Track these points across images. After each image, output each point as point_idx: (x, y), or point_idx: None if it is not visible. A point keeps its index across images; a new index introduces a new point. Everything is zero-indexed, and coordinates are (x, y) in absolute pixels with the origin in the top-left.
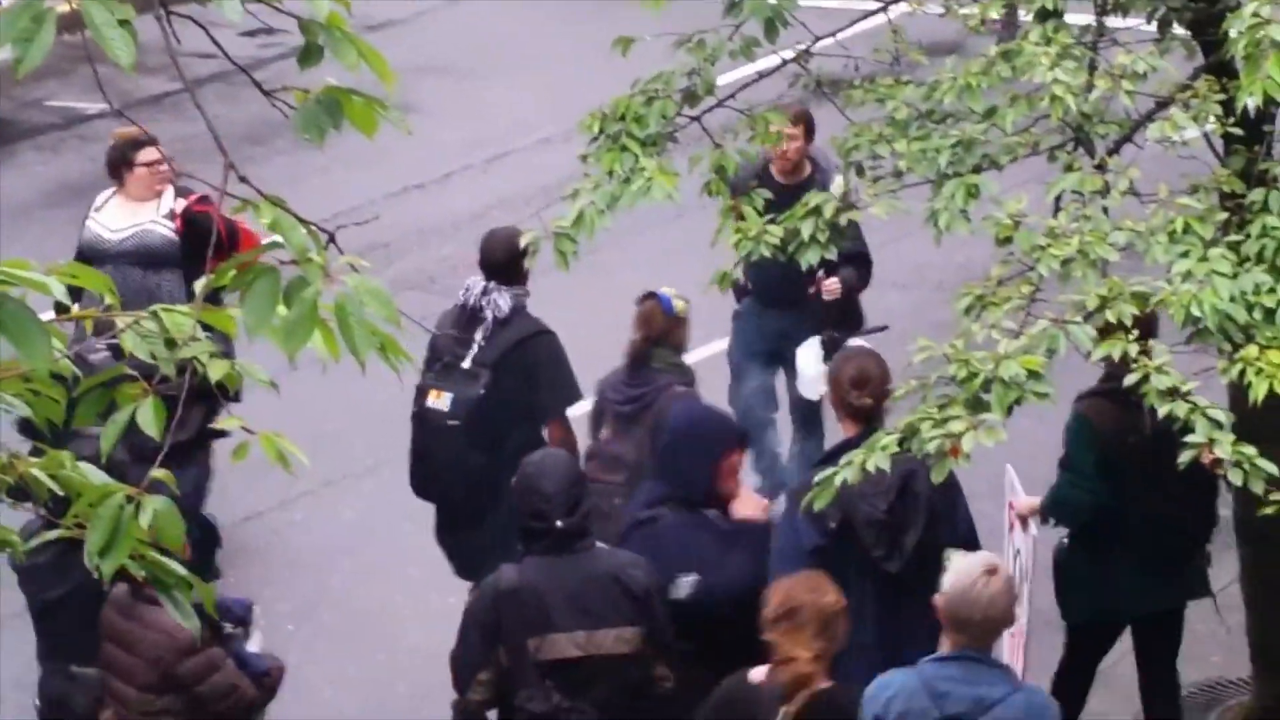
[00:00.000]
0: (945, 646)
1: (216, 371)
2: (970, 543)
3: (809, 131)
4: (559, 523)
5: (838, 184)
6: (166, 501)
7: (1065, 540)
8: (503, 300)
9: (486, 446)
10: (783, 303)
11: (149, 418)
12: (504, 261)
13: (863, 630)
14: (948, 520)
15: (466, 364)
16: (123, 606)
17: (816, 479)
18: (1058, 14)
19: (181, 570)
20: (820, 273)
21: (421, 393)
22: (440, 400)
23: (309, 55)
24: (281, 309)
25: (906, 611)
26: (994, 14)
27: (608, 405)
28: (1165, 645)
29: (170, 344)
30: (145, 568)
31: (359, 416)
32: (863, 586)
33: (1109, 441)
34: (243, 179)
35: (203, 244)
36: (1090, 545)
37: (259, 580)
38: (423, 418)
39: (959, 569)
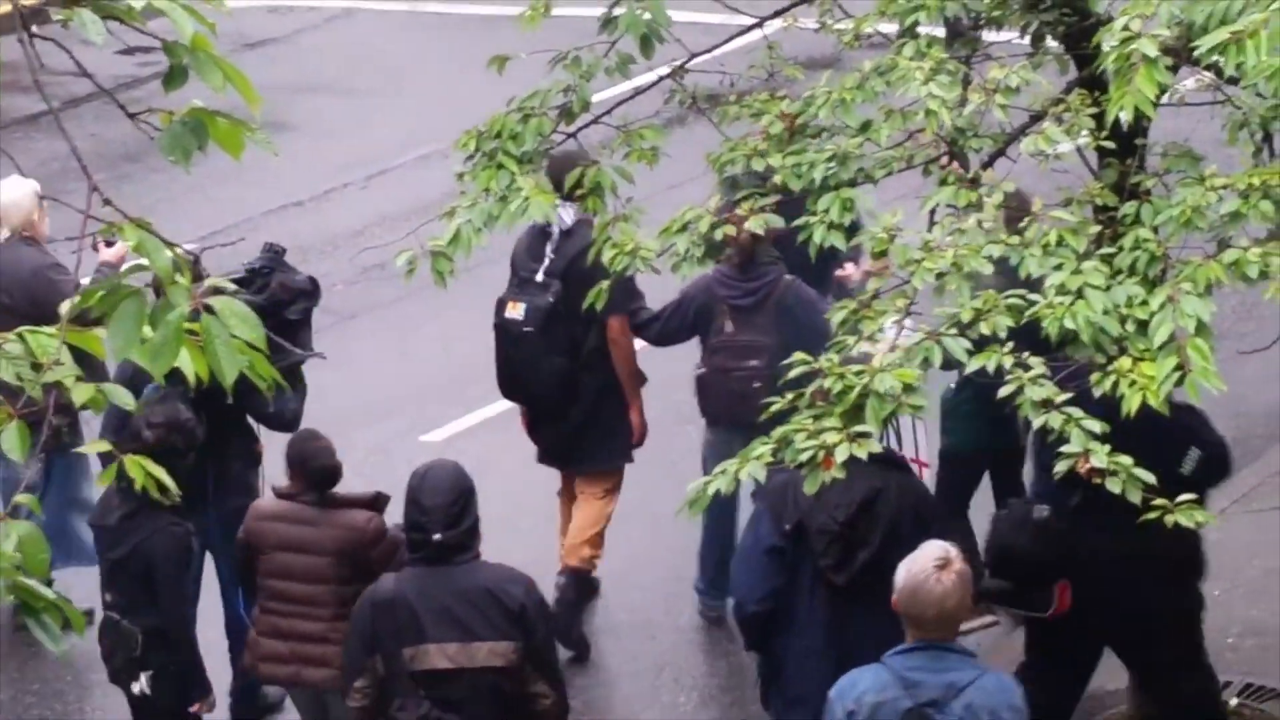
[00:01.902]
0: (907, 639)
1: (80, 395)
2: None
3: None
4: (437, 536)
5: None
6: (31, 526)
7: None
8: (566, 214)
9: (563, 350)
10: None
11: (13, 442)
12: (562, 180)
13: (813, 635)
14: (911, 544)
15: (539, 276)
16: (293, 516)
17: (690, 487)
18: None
19: (50, 594)
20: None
21: (501, 305)
22: (516, 310)
23: (174, 77)
24: (148, 330)
25: (855, 623)
26: (868, 29)
27: (719, 303)
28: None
29: (36, 366)
30: (14, 592)
31: None
32: (815, 593)
33: None
34: (107, 201)
35: None
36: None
37: None
38: (503, 328)
39: (910, 564)
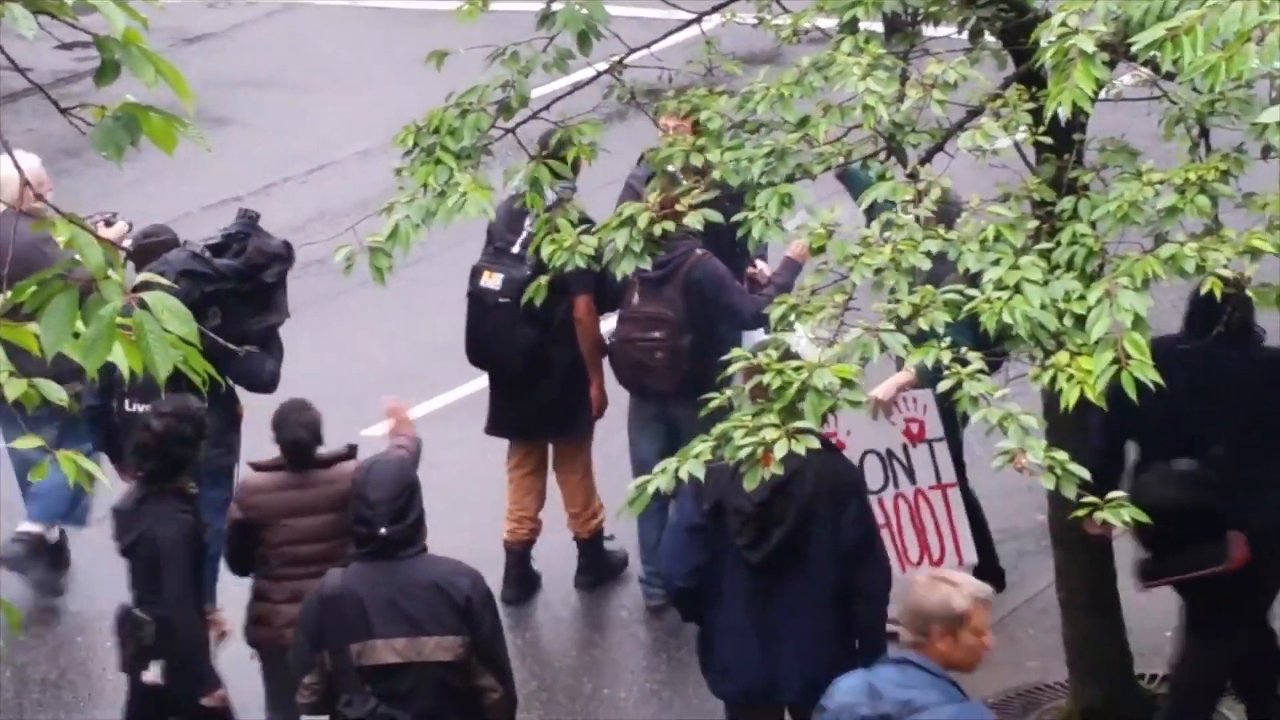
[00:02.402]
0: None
1: (12, 391)
2: (859, 546)
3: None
4: (383, 530)
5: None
6: None
7: None
8: (548, 192)
9: (535, 322)
10: None
11: None
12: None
13: (736, 611)
14: (829, 522)
15: (515, 249)
16: (288, 483)
17: (631, 485)
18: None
19: None
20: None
21: (476, 273)
22: (492, 280)
23: (105, 72)
24: (80, 325)
25: (779, 600)
26: (806, 25)
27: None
28: None
29: None
30: None
31: None
32: (735, 571)
33: None
34: (38, 197)
35: None
36: None
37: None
38: (477, 296)
39: (916, 572)
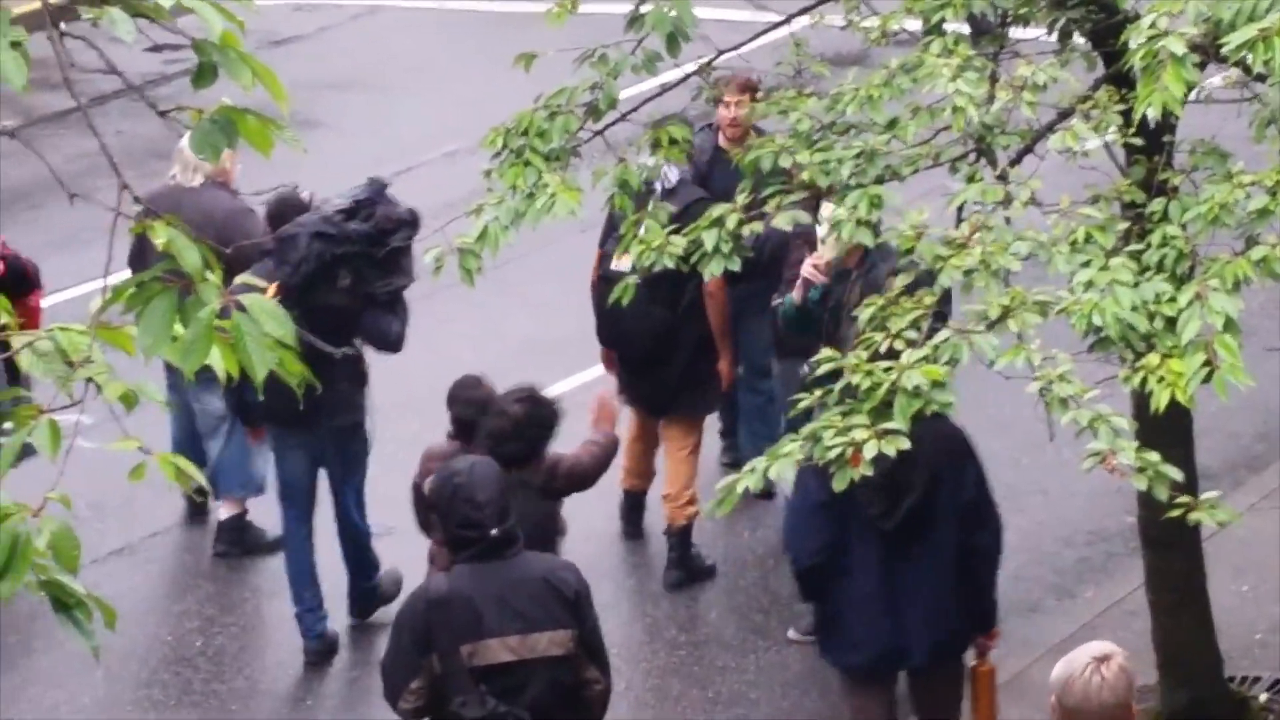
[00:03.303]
0: None
1: (113, 391)
2: (979, 505)
3: (754, 97)
4: (493, 531)
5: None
6: (63, 522)
7: None
8: (671, 173)
9: (665, 302)
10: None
11: (44, 440)
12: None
13: (866, 582)
14: (952, 483)
15: (643, 230)
16: (458, 453)
17: (719, 485)
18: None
19: (81, 590)
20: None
21: (604, 258)
22: (622, 263)
23: (203, 75)
24: (179, 328)
25: (907, 568)
26: (894, 27)
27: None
28: None
29: (69, 363)
30: (45, 589)
31: None
32: (866, 542)
33: None
34: (137, 199)
35: None
36: None
37: (165, 593)
38: (607, 279)
39: (1068, 662)
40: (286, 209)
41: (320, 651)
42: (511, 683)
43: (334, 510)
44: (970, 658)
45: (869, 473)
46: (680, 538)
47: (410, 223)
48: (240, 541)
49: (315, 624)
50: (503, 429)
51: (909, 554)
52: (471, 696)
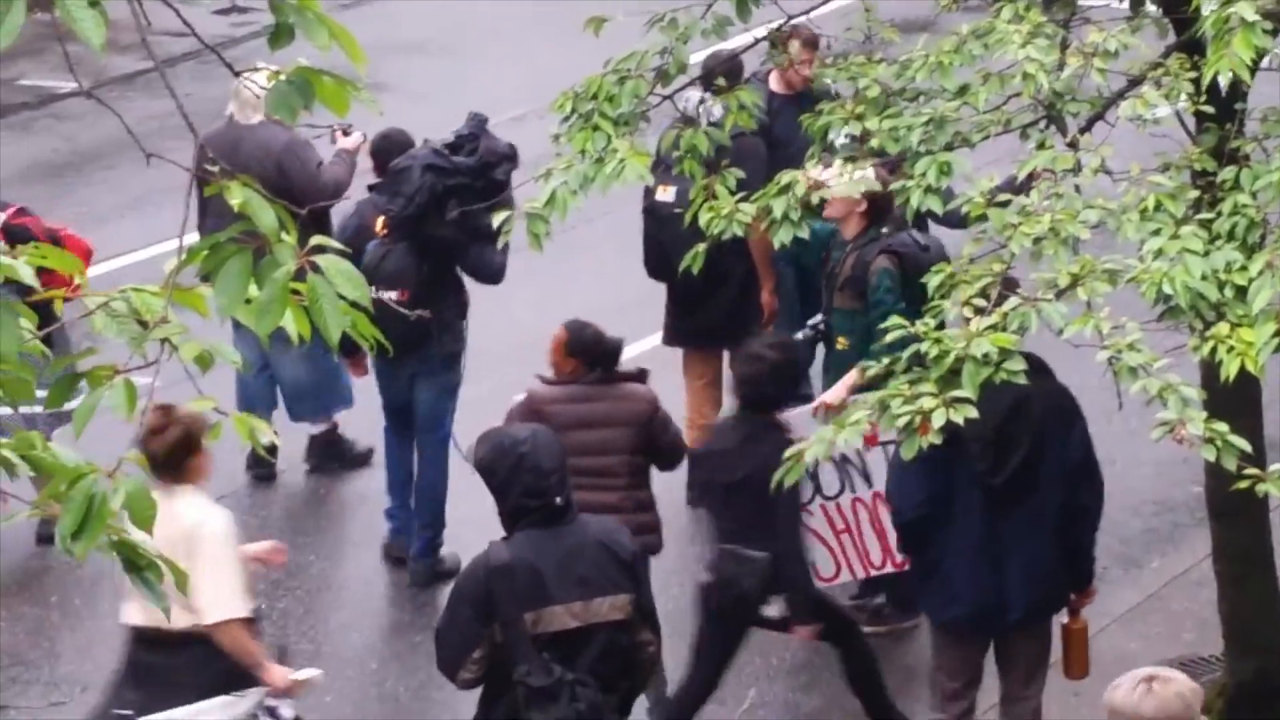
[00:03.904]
0: None
1: (189, 352)
2: (1083, 465)
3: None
4: (558, 499)
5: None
6: (138, 482)
7: None
8: (716, 109)
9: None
10: None
11: (119, 400)
12: (716, 73)
13: (969, 536)
14: (1059, 441)
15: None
16: (579, 395)
17: (787, 454)
18: None
19: (154, 551)
20: None
21: (649, 190)
22: (667, 193)
23: (280, 35)
24: (253, 289)
25: (1010, 523)
26: None
27: None
28: None
29: (142, 324)
30: (117, 549)
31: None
32: (970, 496)
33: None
34: (213, 160)
35: None
36: None
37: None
38: (652, 211)
39: (1119, 684)
40: (391, 145)
41: (394, 556)
42: (572, 649)
43: (419, 442)
44: (1064, 615)
45: (938, 441)
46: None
47: (510, 156)
48: (336, 455)
49: (406, 521)
50: (760, 373)
51: (1013, 510)
52: (536, 664)
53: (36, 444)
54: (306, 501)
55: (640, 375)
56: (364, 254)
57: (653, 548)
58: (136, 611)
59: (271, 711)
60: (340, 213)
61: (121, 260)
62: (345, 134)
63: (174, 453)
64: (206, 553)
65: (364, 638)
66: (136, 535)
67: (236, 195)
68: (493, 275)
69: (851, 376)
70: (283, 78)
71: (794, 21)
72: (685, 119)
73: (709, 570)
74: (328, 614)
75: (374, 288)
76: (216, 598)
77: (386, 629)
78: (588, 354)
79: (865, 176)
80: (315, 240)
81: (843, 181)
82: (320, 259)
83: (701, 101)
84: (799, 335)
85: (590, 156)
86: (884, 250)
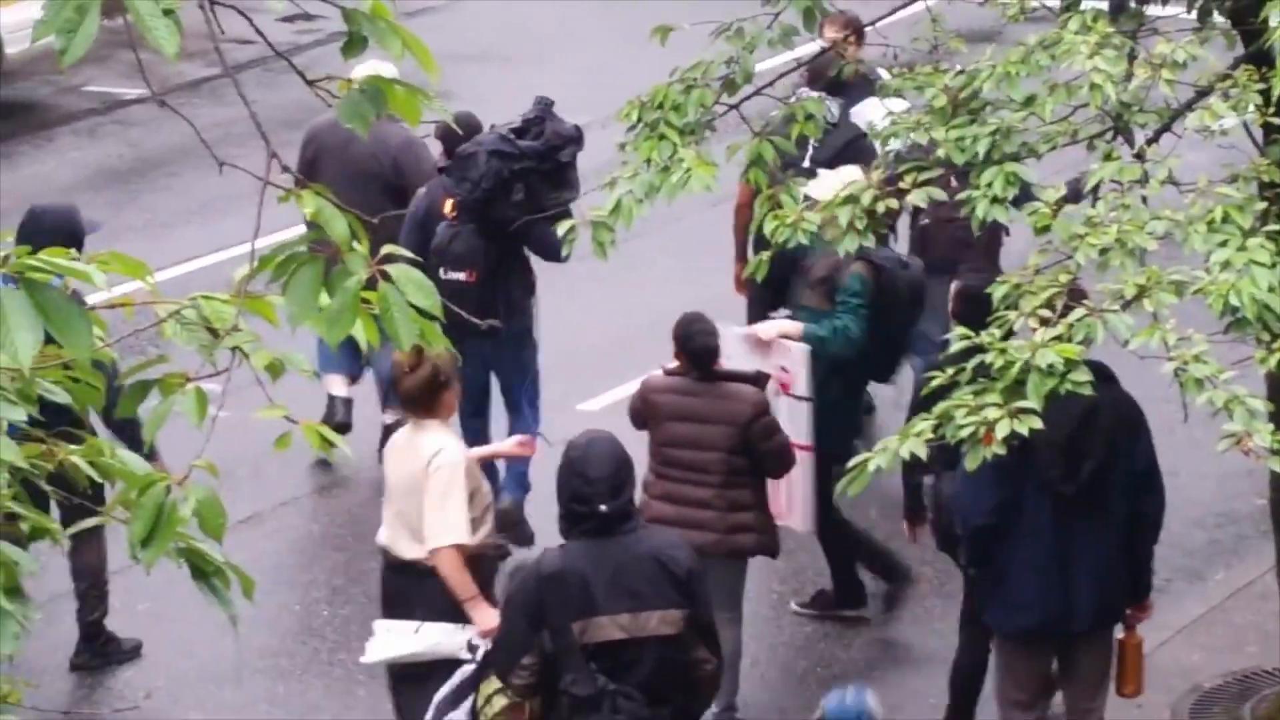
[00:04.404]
0: None
1: (260, 360)
2: (1148, 474)
3: (859, 38)
4: (603, 507)
5: (870, 105)
6: (209, 489)
7: None
8: (834, 107)
9: None
10: None
11: (190, 407)
12: (830, 78)
13: (1037, 545)
14: (1127, 453)
15: (805, 163)
16: (685, 389)
17: (850, 463)
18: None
19: (221, 558)
20: None
21: None
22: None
23: (353, 45)
24: (324, 298)
25: (1079, 531)
26: (1033, 4)
27: None
28: None
29: (212, 332)
30: (185, 556)
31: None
32: (1040, 504)
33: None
34: (285, 168)
35: None
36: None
37: (293, 563)
38: None
39: None
40: (462, 129)
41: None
42: (622, 661)
43: (509, 412)
44: (1119, 630)
45: (1002, 451)
46: None
47: (576, 139)
48: None
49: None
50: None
51: (1081, 519)
52: (582, 674)
53: (105, 451)
54: (373, 506)
55: (756, 378)
56: (434, 236)
57: (745, 548)
58: (384, 535)
59: (474, 650)
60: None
61: (187, 266)
62: None
63: (425, 389)
64: (436, 481)
65: None
66: (205, 543)
67: (309, 204)
68: (557, 254)
69: (790, 326)
70: (355, 86)
71: (860, 29)
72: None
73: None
74: None
75: (443, 269)
76: (438, 525)
77: None
78: (684, 347)
79: (930, 191)
80: (386, 249)
81: (831, 185)
82: (391, 268)
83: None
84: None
85: (656, 165)
86: (863, 258)
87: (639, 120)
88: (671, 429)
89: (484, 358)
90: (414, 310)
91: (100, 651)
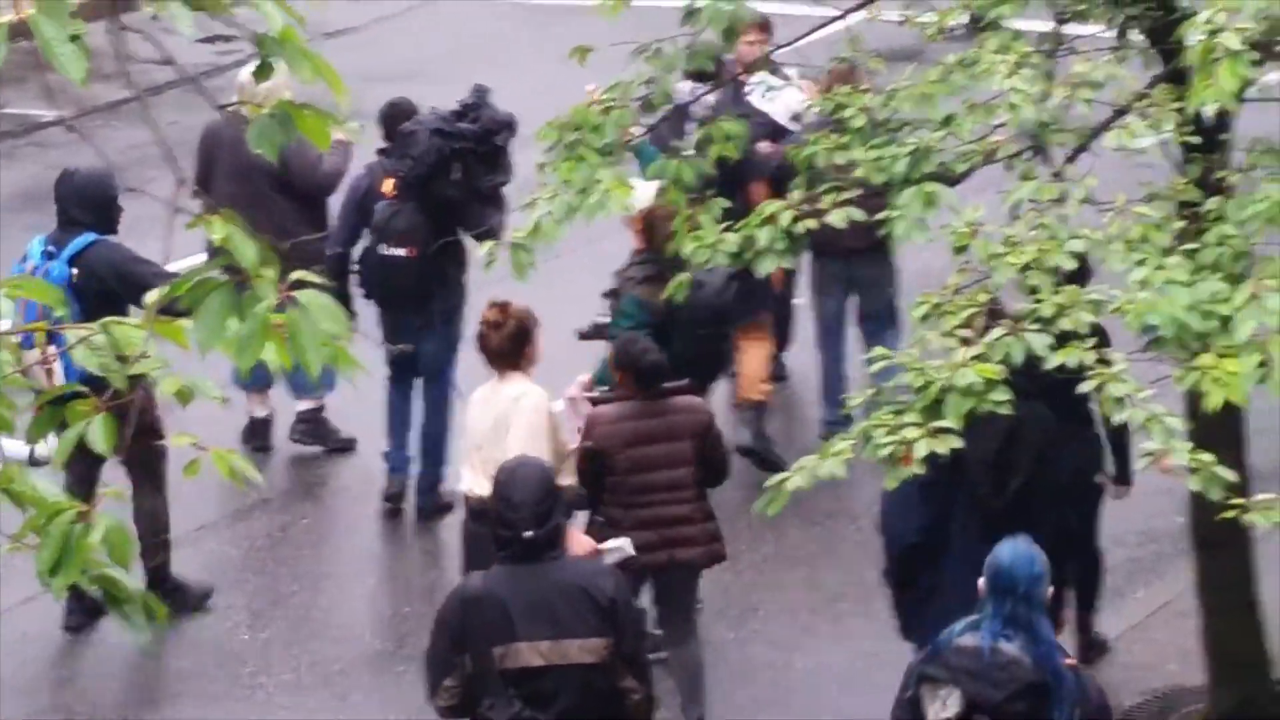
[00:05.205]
0: None
1: (168, 387)
2: (1074, 489)
3: (769, 34)
4: (527, 533)
5: (787, 95)
6: (116, 519)
7: None
8: (710, 98)
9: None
10: None
11: (98, 435)
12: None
13: (962, 564)
14: (1053, 466)
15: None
16: (638, 412)
17: (768, 483)
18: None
19: (133, 586)
20: None
21: None
22: None
23: (263, 70)
24: (234, 322)
25: None
26: (951, 23)
27: None
28: None
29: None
30: (98, 584)
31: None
32: (968, 520)
33: (658, 313)
34: (196, 192)
35: None
36: None
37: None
38: None
39: None
40: (397, 112)
41: (397, 495)
42: (543, 688)
43: (424, 389)
44: None
45: (920, 471)
46: (756, 411)
47: (510, 125)
48: (315, 433)
49: (401, 461)
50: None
51: (1007, 534)
52: (500, 700)
53: (15, 477)
54: (293, 529)
55: (690, 388)
56: (373, 214)
57: (721, 555)
58: (467, 480)
59: None
60: (351, 175)
61: None
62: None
63: (511, 343)
64: (520, 423)
65: (345, 667)
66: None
67: (218, 230)
68: (492, 234)
69: (583, 379)
70: (265, 111)
71: (779, 51)
72: (678, 110)
73: None
74: (310, 645)
75: (383, 245)
76: None
77: (370, 659)
78: (634, 369)
79: (849, 212)
80: (296, 275)
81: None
82: (300, 293)
83: (692, 92)
84: (582, 331)
85: (575, 187)
86: (654, 276)
87: (558, 141)
88: (639, 453)
89: (415, 330)
90: (325, 335)
91: (168, 594)
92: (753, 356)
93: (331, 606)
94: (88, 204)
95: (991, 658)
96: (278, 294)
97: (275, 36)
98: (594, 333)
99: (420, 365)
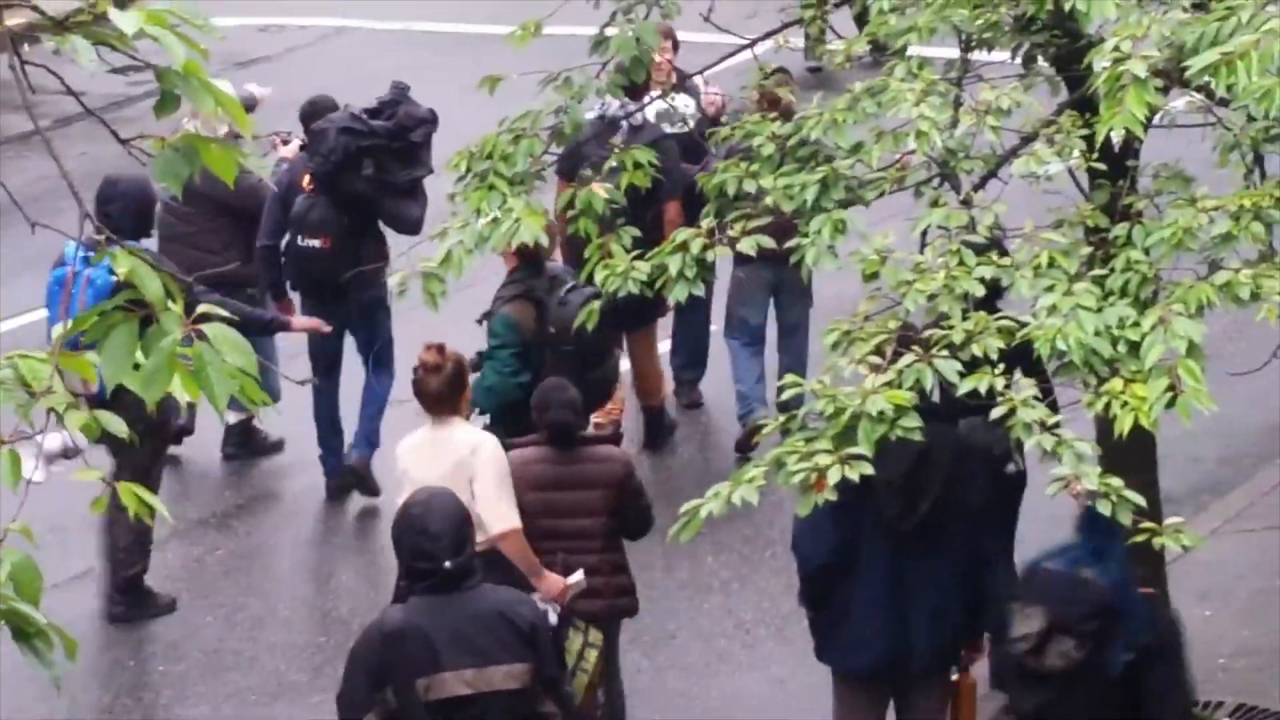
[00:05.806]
0: None
1: (74, 422)
2: (986, 514)
3: (675, 46)
4: (447, 564)
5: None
6: (24, 554)
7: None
8: (640, 116)
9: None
10: None
11: (4, 470)
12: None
13: (875, 584)
14: (964, 490)
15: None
16: (553, 458)
17: (682, 510)
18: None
19: (42, 620)
20: None
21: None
22: None
23: (166, 104)
24: (140, 356)
25: (916, 571)
26: (858, 50)
27: None
28: None
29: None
30: (6, 618)
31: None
32: (877, 543)
33: (528, 332)
34: (98, 228)
35: None
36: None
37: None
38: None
39: None
40: (315, 110)
41: (341, 487)
42: (468, 717)
43: (364, 375)
44: (953, 670)
45: (834, 497)
46: (658, 414)
47: (430, 120)
48: (247, 444)
49: (336, 466)
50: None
51: (919, 557)
52: None
53: None
54: (208, 560)
55: (615, 438)
56: (293, 206)
57: (629, 610)
58: None
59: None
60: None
61: (20, 320)
62: (285, 143)
63: (449, 387)
64: (485, 473)
65: (260, 699)
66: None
67: (122, 264)
68: (411, 227)
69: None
70: (168, 144)
71: (691, 78)
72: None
73: None
74: (226, 676)
75: (300, 236)
76: (498, 513)
77: (285, 693)
78: (541, 422)
79: (759, 239)
80: (202, 308)
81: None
82: (207, 327)
83: (621, 105)
84: (472, 361)
85: (486, 215)
86: (522, 295)
87: (468, 171)
88: (545, 498)
89: (339, 328)
90: (232, 368)
91: (138, 603)
92: (641, 359)
93: (244, 639)
94: (130, 210)
95: (1072, 580)
96: (183, 328)
97: (177, 70)
98: (477, 363)
99: (361, 355)
